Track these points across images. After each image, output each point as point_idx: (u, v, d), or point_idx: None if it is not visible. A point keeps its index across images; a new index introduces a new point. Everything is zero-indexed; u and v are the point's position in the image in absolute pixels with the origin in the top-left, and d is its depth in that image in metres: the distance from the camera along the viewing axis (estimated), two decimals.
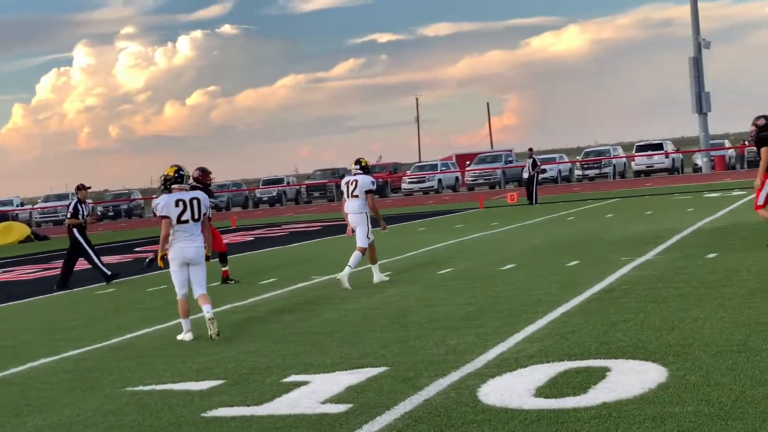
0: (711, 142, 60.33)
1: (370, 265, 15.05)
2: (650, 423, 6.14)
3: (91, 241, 19.12)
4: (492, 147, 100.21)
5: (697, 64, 59.19)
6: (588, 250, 16.96)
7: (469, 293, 12.77)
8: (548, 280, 13.42)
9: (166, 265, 11.23)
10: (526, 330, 9.75)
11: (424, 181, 62.69)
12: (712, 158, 57.91)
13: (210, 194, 15.51)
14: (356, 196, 14.84)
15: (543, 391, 7.18)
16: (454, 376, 7.97)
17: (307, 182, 67.49)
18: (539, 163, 38.25)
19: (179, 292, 11.19)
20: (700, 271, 12.94)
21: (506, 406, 6.87)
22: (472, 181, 63.19)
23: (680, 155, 61.88)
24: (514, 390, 7.29)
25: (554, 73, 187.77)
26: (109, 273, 18.73)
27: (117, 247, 30.94)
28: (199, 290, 11.14)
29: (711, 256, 14.51)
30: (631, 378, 7.34)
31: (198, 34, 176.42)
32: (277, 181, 69.14)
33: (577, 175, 61.15)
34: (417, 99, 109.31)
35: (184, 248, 11.01)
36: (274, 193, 66.03)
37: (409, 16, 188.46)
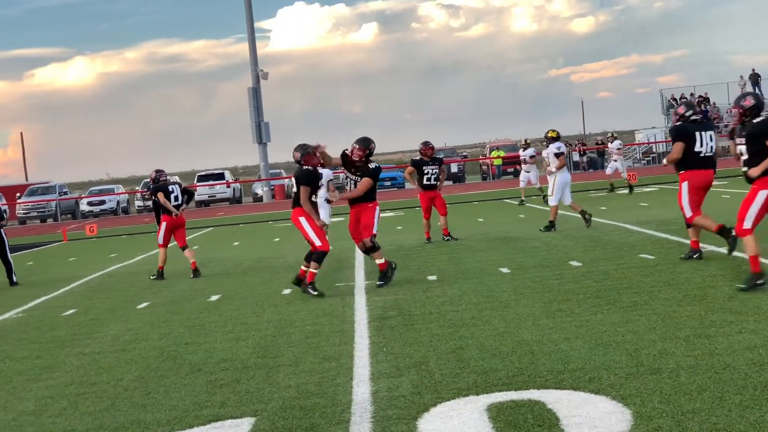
0: (270, 171, 61.21)
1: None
2: None
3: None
4: (27, 179, 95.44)
5: (256, 94, 59.74)
6: (287, 278, 15.76)
7: (223, 328, 11.29)
8: (292, 309, 12.27)
9: None
10: (359, 365, 8.61)
11: None
12: (273, 187, 58.62)
13: None
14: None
15: None
16: (361, 424, 6.70)
17: None
18: None
19: None
20: (450, 292, 12.37)
21: None
22: (24, 214, 59.35)
23: (240, 185, 62.35)
24: None
25: (62, 106, 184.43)
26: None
27: None
28: None
29: (432, 278, 14.06)
30: (586, 410, 6.51)
31: None
32: None
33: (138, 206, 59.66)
34: None
35: None
36: None
37: None
